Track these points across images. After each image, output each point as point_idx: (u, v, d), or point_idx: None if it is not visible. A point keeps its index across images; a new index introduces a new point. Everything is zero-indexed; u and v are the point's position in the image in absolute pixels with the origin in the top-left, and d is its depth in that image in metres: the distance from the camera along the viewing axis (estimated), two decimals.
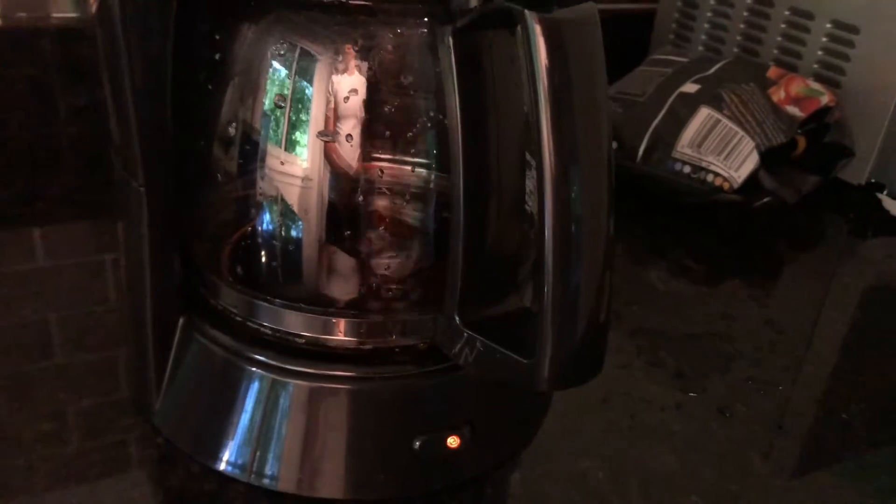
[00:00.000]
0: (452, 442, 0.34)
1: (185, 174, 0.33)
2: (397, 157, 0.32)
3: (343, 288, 0.34)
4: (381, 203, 0.33)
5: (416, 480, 0.36)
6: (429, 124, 0.31)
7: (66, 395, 0.40)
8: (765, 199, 0.65)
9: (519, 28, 0.26)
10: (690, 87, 0.64)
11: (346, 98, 0.30)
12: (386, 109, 0.31)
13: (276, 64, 0.30)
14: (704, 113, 0.62)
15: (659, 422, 0.42)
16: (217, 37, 0.31)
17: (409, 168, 0.32)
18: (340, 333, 0.35)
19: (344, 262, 0.34)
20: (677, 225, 0.63)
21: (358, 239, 0.33)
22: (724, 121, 0.62)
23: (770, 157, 0.64)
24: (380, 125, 0.31)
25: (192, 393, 0.36)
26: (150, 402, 0.37)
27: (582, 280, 0.28)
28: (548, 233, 0.27)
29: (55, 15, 0.64)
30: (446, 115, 0.29)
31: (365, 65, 0.30)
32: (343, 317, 0.35)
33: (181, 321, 0.36)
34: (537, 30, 0.25)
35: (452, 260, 0.31)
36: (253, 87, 0.31)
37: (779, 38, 0.73)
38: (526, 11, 0.25)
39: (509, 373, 0.30)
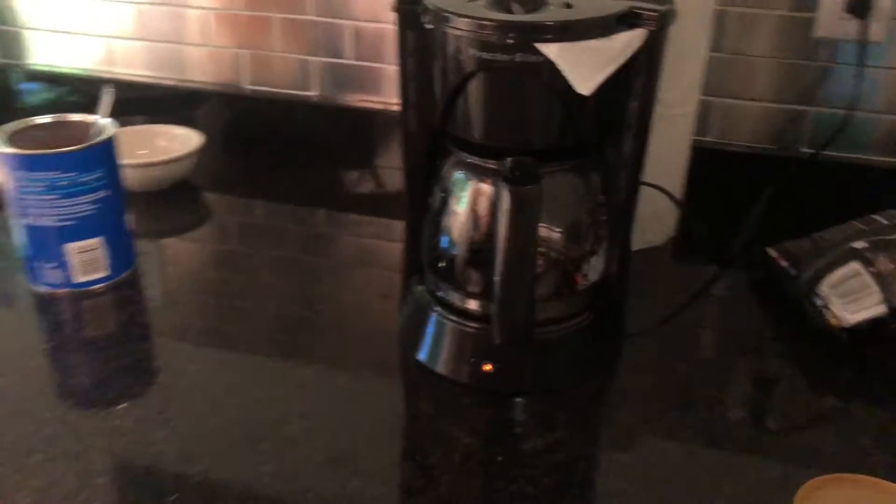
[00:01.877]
0: (486, 366, 0.71)
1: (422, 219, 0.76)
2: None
3: (475, 284, 0.72)
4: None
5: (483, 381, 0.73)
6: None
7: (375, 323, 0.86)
8: None
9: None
10: (859, 244, 0.81)
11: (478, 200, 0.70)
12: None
13: (451, 180, 0.71)
14: (853, 266, 0.79)
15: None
16: (437, 162, 0.74)
17: None
18: (473, 305, 0.74)
19: (474, 269, 0.72)
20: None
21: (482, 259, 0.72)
22: (865, 275, 0.78)
23: None
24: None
25: (414, 321, 0.79)
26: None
27: (514, 295, 0.63)
28: (498, 276, 0.63)
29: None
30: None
31: (487, 186, 0.69)
32: (475, 298, 0.73)
33: (413, 278, 0.80)
34: (505, 193, 0.61)
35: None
36: (446, 187, 0.72)
37: None
38: (501, 183, 0.61)
39: (493, 335, 0.67)
